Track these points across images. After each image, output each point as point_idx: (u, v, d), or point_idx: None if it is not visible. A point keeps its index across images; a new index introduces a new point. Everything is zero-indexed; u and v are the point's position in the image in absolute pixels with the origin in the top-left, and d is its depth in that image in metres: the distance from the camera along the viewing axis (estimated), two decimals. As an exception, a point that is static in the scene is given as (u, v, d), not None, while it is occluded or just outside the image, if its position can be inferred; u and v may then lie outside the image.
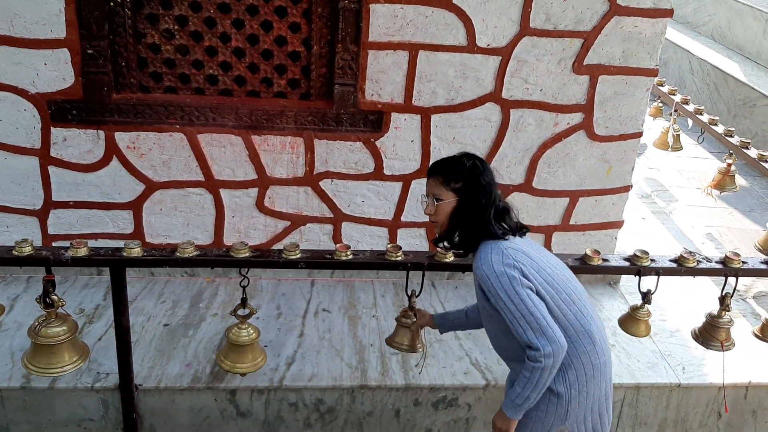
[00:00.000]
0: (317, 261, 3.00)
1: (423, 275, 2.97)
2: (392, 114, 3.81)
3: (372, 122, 3.80)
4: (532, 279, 2.45)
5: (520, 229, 2.65)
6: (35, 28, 3.44)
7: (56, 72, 3.54)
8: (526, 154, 4.01)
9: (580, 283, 2.67)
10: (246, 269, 2.97)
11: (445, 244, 2.75)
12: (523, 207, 4.14)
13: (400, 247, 3.02)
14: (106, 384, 3.26)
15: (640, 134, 4.08)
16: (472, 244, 2.62)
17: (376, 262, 3.00)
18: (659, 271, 3.04)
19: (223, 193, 3.92)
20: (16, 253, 2.90)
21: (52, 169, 3.76)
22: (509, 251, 2.48)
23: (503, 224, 2.58)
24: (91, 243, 3.03)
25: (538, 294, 2.45)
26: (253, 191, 3.93)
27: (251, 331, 3.02)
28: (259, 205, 3.97)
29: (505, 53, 3.74)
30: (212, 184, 3.89)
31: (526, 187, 4.09)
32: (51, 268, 2.89)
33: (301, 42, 3.68)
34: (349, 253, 3.00)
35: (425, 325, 3.14)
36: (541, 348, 2.36)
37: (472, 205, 2.57)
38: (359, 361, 3.55)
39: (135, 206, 3.90)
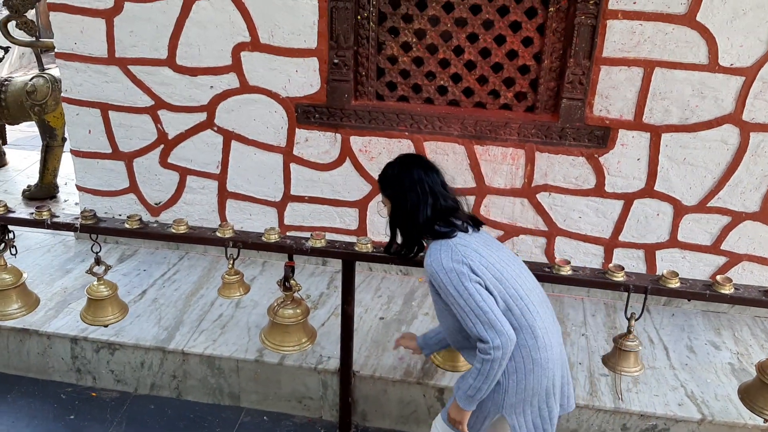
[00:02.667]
0: (536, 273, 3.02)
1: (645, 299, 2.89)
2: (620, 130, 3.74)
3: (598, 138, 3.76)
4: (480, 274, 2.47)
5: (475, 225, 2.66)
6: (291, 38, 3.81)
7: (305, 78, 3.90)
8: (764, 180, 3.74)
9: (538, 284, 2.69)
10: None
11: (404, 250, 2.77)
12: (755, 237, 3.87)
13: (623, 268, 2.96)
14: (327, 367, 3.53)
15: None
16: (413, 245, 2.69)
17: (596, 280, 2.97)
18: None
19: (443, 198, 4.07)
20: (264, 239, 3.24)
21: (293, 166, 4.14)
22: (458, 248, 2.51)
23: (451, 222, 2.59)
24: (327, 236, 3.30)
25: (486, 289, 2.47)
26: (471, 199, 4.05)
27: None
28: (475, 213, 4.07)
29: (749, 73, 3.52)
30: (433, 190, 4.05)
31: (761, 216, 3.82)
32: (293, 255, 3.20)
33: (532, 56, 3.73)
34: (568, 268, 3.00)
35: (411, 348, 3.12)
36: (490, 341, 2.40)
37: (402, 209, 2.63)
38: (566, 377, 3.52)
39: (361, 205, 4.17)
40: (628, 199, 3.89)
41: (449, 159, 3.95)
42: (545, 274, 2.99)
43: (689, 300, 3.14)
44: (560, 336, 2.65)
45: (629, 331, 3.00)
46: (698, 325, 4.02)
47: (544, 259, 4.11)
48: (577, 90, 3.66)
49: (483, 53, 3.79)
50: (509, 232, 4.10)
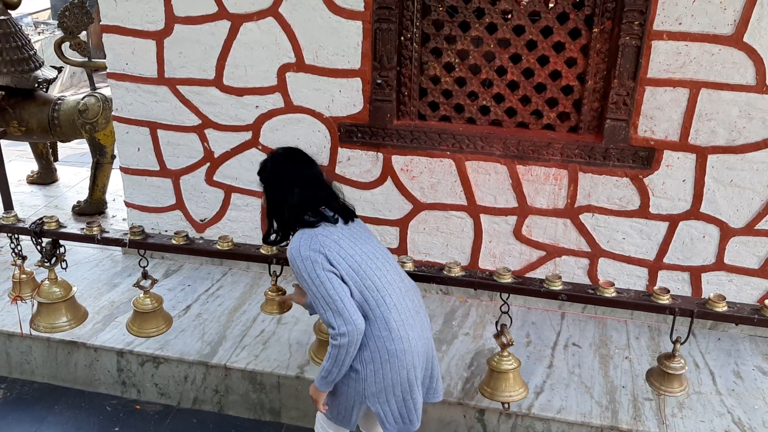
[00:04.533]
0: (579, 295, 3.00)
1: (691, 322, 2.85)
2: (665, 151, 3.70)
3: (642, 159, 3.73)
4: (336, 264, 2.57)
5: (347, 217, 2.75)
6: (335, 58, 3.88)
7: (348, 98, 3.95)
8: (815, 203, 3.67)
9: (405, 279, 2.79)
10: (507, 295, 3.07)
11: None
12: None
13: (668, 290, 2.93)
14: (367, 385, 3.54)
15: None
16: (286, 233, 2.79)
17: (641, 303, 2.94)
18: None
19: (483, 218, 4.07)
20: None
21: (334, 185, 4.17)
22: (318, 237, 2.61)
23: (320, 212, 2.69)
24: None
25: (342, 279, 2.56)
26: (512, 219, 4.04)
27: (512, 360, 3.11)
28: (517, 233, 4.07)
29: (799, 94, 3.47)
30: (474, 209, 4.06)
31: (810, 239, 3.74)
32: (334, 273, 3.23)
33: (575, 76, 3.73)
34: (612, 290, 2.97)
35: (300, 304, 3.11)
36: (337, 327, 2.52)
37: (272, 198, 2.76)
38: (610, 401, 3.48)
39: (402, 224, 4.19)
40: (673, 220, 3.84)
41: (491, 179, 3.95)
42: (589, 295, 2.98)
43: (737, 324, 3.08)
44: (425, 330, 2.75)
45: (674, 355, 2.95)
46: (745, 350, 3.93)
47: (586, 281, 4.07)
48: (622, 110, 3.64)
49: (526, 73, 3.79)
50: (551, 252, 4.07)
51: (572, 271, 4.09)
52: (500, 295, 3.07)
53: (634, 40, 3.49)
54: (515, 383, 3.14)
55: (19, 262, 3.53)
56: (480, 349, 3.82)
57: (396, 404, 2.68)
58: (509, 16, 3.70)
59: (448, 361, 3.73)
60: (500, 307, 3.07)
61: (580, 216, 3.95)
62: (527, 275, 4.07)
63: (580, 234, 4.00)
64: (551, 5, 3.65)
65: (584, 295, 3.00)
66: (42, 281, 3.50)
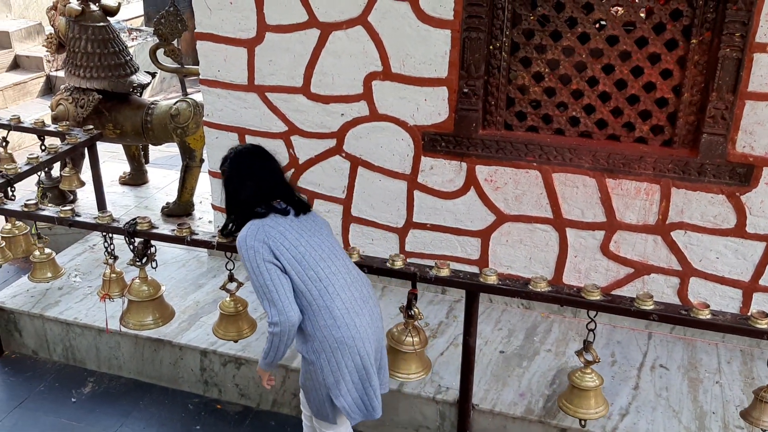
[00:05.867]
0: (671, 316, 2.89)
1: (794, 350, 2.70)
2: (764, 168, 3.52)
3: (740, 175, 3.56)
4: (279, 256, 2.68)
5: (300, 209, 2.84)
6: (422, 67, 3.87)
7: (433, 107, 3.93)
8: None
9: (352, 270, 2.87)
10: (594, 312, 2.98)
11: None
12: None
13: (767, 314, 2.78)
14: (446, 397, 3.51)
15: None
16: (240, 225, 2.85)
17: (737, 326, 2.81)
18: None
19: (569, 232, 3.98)
20: (389, 265, 3.28)
21: (416, 193, 4.17)
22: (264, 228, 2.72)
23: (272, 205, 2.79)
24: (452, 265, 3.29)
25: (284, 270, 2.68)
26: (600, 234, 3.93)
27: (595, 378, 3.02)
28: (604, 249, 3.95)
29: None
30: (560, 223, 3.97)
31: None
32: (416, 283, 3.22)
33: (671, 89, 3.60)
34: (707, 312, 2.85)
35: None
36: (271, 317, 2.65)
37: (228, 191, 2.91)
38: (699, 427, 3.33)
39: (484, 235, 4.14)
40: (772, 241, 3.65)
41: (579, 192, 3.85)
42: (682, 317, 2.86)
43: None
44: (374, 319, 2.84)
45: (774, 384, 2.80)
46: None
47: (676, 300, 3.92)
48: (719, 125, 3.49)
49: (618, 84, 3.69)
50: (640, 269, 3.93)
51: (661, 289, 3.94)
52: (587, 313, 2.99)
53: (735, 53, 3.34)
54: (596, 401, 3.05)
55: (110, 261, 3.67)
56: (562, 367, 3.72)
57: (357, 392, 2.79)
58: (597, 24, 3.61)
59: (529, 377, 3.66)
60: (587, 325, 2.99)
61: (672, 233, 3.80)
62: (614, 292, 3.96)
63: (671, 252, 3.85)
64: (643, 14, 3.53)
65: (677, 317, 2.89)
66: (133, 279, 3.63)
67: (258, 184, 2.85)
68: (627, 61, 3.61)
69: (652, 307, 2.90)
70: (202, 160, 5.40)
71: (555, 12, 3.62)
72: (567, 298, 2.99)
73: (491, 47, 3.74)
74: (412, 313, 3.20)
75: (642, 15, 3.53)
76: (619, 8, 3.56)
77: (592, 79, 3.70)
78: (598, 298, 2.96)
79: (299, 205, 2.89)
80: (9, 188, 4.19)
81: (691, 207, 3.71)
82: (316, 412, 2.91)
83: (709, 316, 2.85)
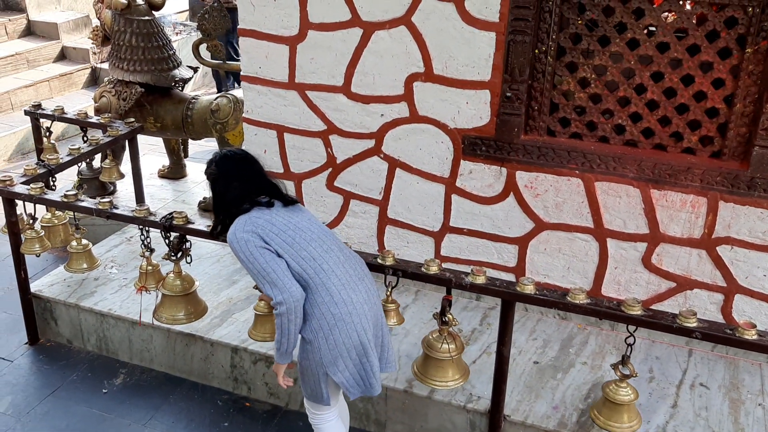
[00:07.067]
0: (715, 335, 2.79)
1: None
2: (819, 185, 3.39)
3: (792, 191, 3.43)
4: (269, 240, 2.76)
5: (286, 202, 2.94)
6: (465, 69, 3.80)
7: (475, 110, 3.86)
8: None
9: (343, 248, 2.94)
10: (634, 327, 2.89)
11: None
12: None
13: (819, 338, 2.66)
14: (477, 407, 3.44)
15: None
16: (229, 224, 2.90)
17: (787, 349, 2.69)
18: None
19: (610, 242, 3.87)
20: (424, 270, 3.22)
21: (454, 197, 4.10)
22: (252, 219, 2.82)
23: (256, 201, 2.89)
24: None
25: (277, 253, 2.74)
26: (642, 246, 3.82)
27: (630, 392, 2.93)
28: (645, 261, 3.84)
29: None
30: (600, 233, 3.87)
31: None
32: (451, 289, 3.16)
33: (722, 98, 3.48)
34: (754, 332, 2.74)
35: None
36: (274, 297, 2.69)
37: (215, 192, 3.02)
38: (740, 451, 3.21)
39: (521, 242, 4.06)
40: (824, 260, 3.51)
41: (622, 202, 3.75)
42: (727, 336, 2.75)
43: None
44: (371, 296, 2.87)
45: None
46: None
47: (719, 318, 3.79)
48: (773, 138, 3.36)
49: (667, 93, 3.58)
50: (682, 284, 3.81)
51: (704, 306, 3.82)
52: (627, 327, 2.90)
53: (793, 62, 3.22)
54: (629, 416, 2.95)
55: (147, 254, 3.68)
56: (598, 381, 3.62)
57: (354, 367, 2.81)
58: (646, 30, 3.51)
59: (563, 390, 3.57)
60: (626, 339, 2.91)
61: (718, 248, 3.68)
62: (654, 306, 3.85)
63: (716, 267, 3.72)
64: (694, 21, 3.42)
65: (721, 335, 2.79)
66: (167, 274, 3.63)
67: (244, 185, 2.95)
68: (677, 69, 3.50)
69: (695, 324, 2.80)
70: (240, 157, 5.39)
71: (604, 17, 3.53)
72: (606, 311, 2.91)
73: (537, 51, 3.66)
74: (446, 319, 3.14)
75: (693, 22, 3.42)
76: (671, 14, 3.46)
77: (639, 86, 3.60)
78: (639, 312, 2.87)
79: (286, 198, 3.00)
80: (50, 178, 4.24)
81: (739, 222, 3.58)
82: (310, 394, 2.92)
83: (755, 337, 2.74)
